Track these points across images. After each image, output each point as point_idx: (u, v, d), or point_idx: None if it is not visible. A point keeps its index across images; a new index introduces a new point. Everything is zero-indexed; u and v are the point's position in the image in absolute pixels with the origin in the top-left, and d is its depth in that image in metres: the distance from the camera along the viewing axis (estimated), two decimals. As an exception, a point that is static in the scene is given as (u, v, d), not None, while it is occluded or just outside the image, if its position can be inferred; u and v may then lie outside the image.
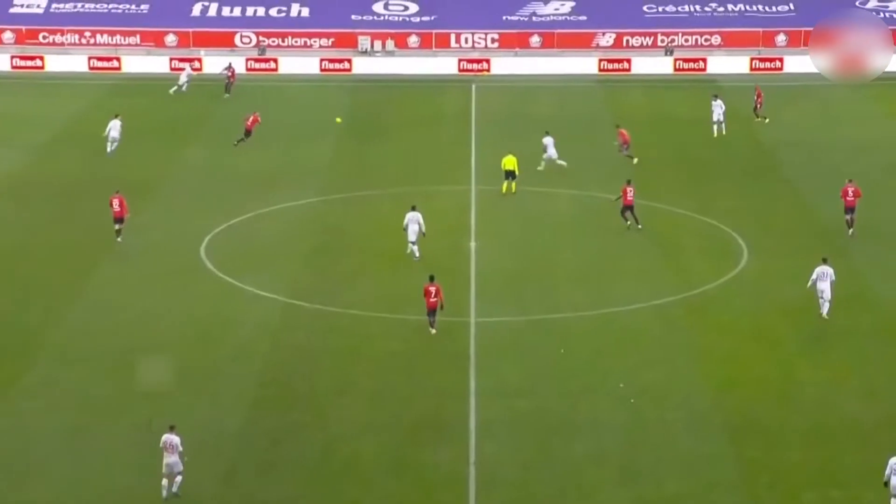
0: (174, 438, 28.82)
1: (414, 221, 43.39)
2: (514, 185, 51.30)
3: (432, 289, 37.35)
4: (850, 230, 46.09)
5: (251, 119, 59.56)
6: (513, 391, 33.81)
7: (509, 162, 51.63)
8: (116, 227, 45.47)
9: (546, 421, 32.19)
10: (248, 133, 59.21)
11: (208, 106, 69.90)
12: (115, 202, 45.54)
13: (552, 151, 54.13)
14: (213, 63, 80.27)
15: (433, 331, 37.41)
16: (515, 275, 42.73)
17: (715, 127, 60.91)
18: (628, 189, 47.08)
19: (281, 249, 45.42)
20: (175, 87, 72.55)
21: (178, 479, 28.69)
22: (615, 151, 56.12)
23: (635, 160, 55.22)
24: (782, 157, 58.31)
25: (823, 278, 38.36)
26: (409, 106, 70.20)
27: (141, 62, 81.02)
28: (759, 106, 64.43)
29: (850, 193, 46.31)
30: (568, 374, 34.81)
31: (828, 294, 38.21)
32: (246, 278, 42.06)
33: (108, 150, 57.64)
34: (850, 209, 46.28)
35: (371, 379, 34.65)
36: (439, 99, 72.56)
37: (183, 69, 75.17)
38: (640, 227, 46.72)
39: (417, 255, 43.26)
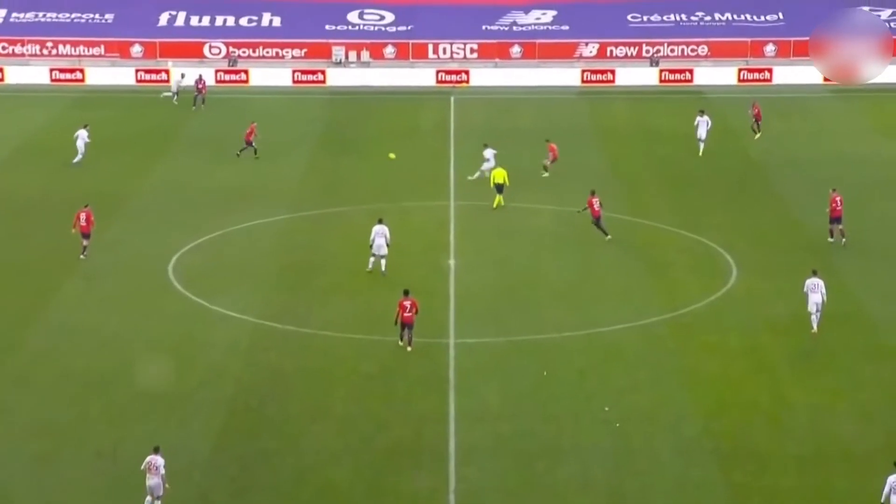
0: (158, 460, 28.71)
1: (381, 235, 43.46)
2: (500, 198, 51.55)
3: (407, 303, 37.43)
4: (843, 240, 46.79)
5: (249, 130, 59.96)
6: (494, 415, 33.74)
7: (499, 175, 51.94)
8: (84, 243, 45.33)
9: (529, 446, 32.13)
10: (248, 144, 59.59)
11: (176, 119, 69.79)
12: (82, 216, 45.41)
13: (491, 163, 54.72)
14: (178, 75, 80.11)
15: (407, 347, 37.50)
16: (496, 294, 42.72)
17: (699, 144, 60.57)
18: (594, 200, 47.39)
19: (251, 268, 45.29)
20: (174, 96, 72.87)
21: (158, 503, 28.55)
22: (542, 168, 56.29)
23: (545, 174, 55.82)
24: (771, 171, 58.57)
25: (814, 290, 38.82)
26: (385, 119, 70.25)
27: (106, 74, 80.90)
28: (755, 120, 64.04)
29: (839, 203, 46.87)
30: (551, 397, 34.77)
31: (819, 306, 38.68)
32: (215, 298, 41.91)
33: (80, 160, 58.41)
34: (836, 219, 46.87)
35: (346, 403, 34.53)
36: (416, 111, 72.64)
37: (169, 80, 75.48)
38: (608, 237, 47.08)
39: (384, 270, 43.36)
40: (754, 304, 41.54)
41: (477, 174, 55.32)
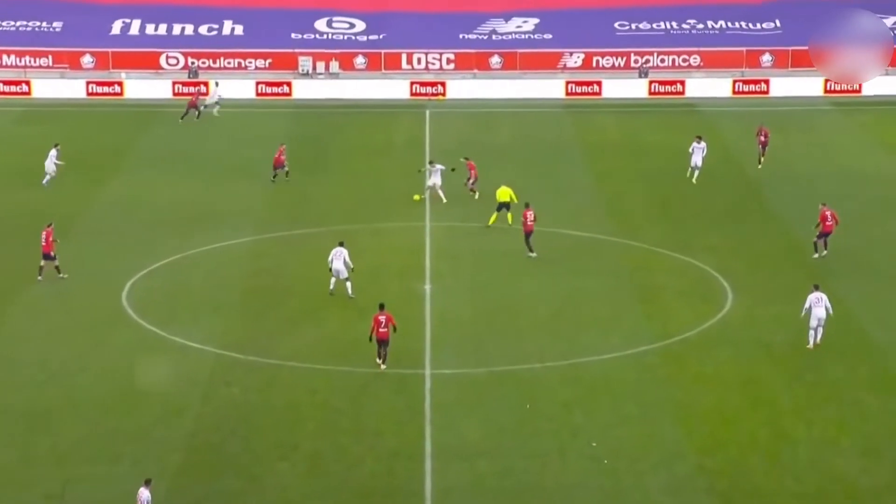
0: (144, 494, 28.75)
1: (339, 257, 43.66)
2: (509, 216, 51.98)
3: (382, 318, 37.94)
4: (824, 252, 47.64)
5: (278, 152, 59.10)
6: (473, 451, 33.70)
7: (503, 193, 52.22)
8: (41, 263, 45.40)
9: (510, 485, 32.09)
10: (279, 167, 58.72)
11: (130, 134, 69.67)
12: (42, 235, 45.56)
13: (436, 178, 55.39)
14: (136, 87, 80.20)
15: (383, 366, 37.87)
16: (475, 321, 42.71)
17: (694, 171, 59.10)
18: (528, 213, 47.79)
19: (212, 294, 45.18)
20: (216, 108, 73.04)
21: None
22: (463, 186, 56.13)
23: (476, 195, 55.53)
24: (769, 188, 58.81)
25: (818, 304, 39.71)
26: (355, 134, 70.29)
27: (54, 86, 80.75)
28: (761, 146, 62.12)
29: (829, 218, 47.75)
30: (534, 433, 34.74)
31: (823, 321, 39.69)
32: (173, 327, 41.76)
33: (50, 181, 58.15)
34: (827, 234, 47.72)
35: (314, 439, 34.43)
36: (389, 126, 72.74)
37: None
38: (533, 255, 47.64)
39: (351, 293, 43.52)
40: (751, 331, 41.65)
41: (430, 184, 55.59)
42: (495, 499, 31.47)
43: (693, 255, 48.96)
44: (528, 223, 48.03)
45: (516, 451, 33.71)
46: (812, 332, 39.66)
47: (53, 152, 58.89)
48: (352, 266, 43.83)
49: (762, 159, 62.17)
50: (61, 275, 45.71)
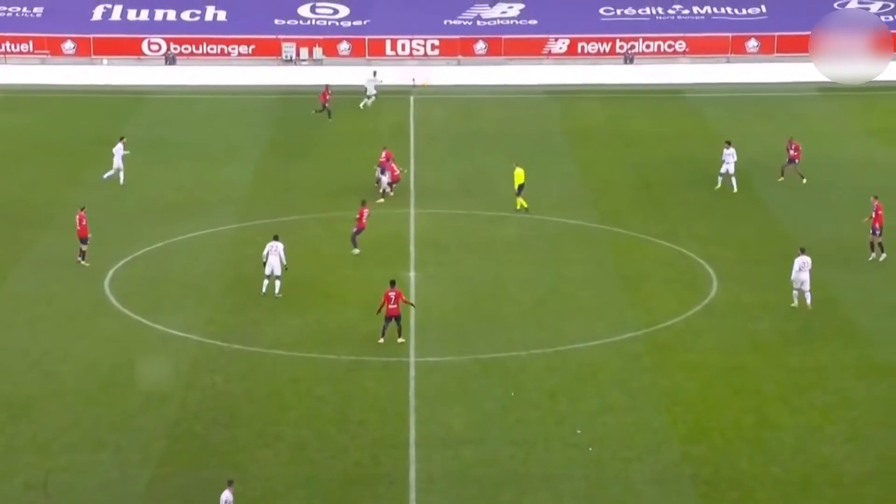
0: (224, 496, 28.79)
1: (274, 252, 43.20)
2: (523, 201, 52.11)
3: (392, 294, 38.68)
4: (883, 255, 46.97)
5: (384, 157, 55.46)
6: (457, 440, 33.79)
7: (520, 176, 52.28)
8: (80, 247, 45.65)
9: (495, 473, 32.18)
10: (387, 173, 55.03)
11: (110, 124, 69.45)
12: (76, 219, 45.88)
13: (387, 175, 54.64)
14: (114, 74, 79.97)
15: (400, 339, 38.95)
16: (460, 309, 42.79)
17: (731, 179, 56.02)
18: (364, 211, 47.40)
19: (196, 283, 45.16)
20: (371, 98, 71.87)
21: None
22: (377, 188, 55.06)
23: (383, 192, 54.45)
24: (755, 176, 58.86)
25: (804, 268, 41.29)
26: (339, 121, 70.21)
27: (34, 72, 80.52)
28: (790, 161, 57.54)
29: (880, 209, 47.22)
30: (519, 421, 34.85)
31: (807, 285, 41.36)
32: (156, 316, 41.75)
33: (117, 177, 56.50)
34: (879, 229, 46.89)
35: (297, 428, 34.48)
36: (373, 113, 72.68)
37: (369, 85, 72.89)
38: (356, 251, 46.85)
39: (278, 292, 43.10)
40: (737, 318, 41.79)
41: (385, 187, 54.50)
42: (479, 488, 31.54)
43: (678, 243, 49.09)
44: (364, 221, 47.20)
45: (501, 439, 33.81)
46: (795, 293, 41.28)
47: (119, 146, 57.14)
48: (285, 263, 43.24)
49: (785, 172, 57.54)
50: (84, 261, 45.68)
